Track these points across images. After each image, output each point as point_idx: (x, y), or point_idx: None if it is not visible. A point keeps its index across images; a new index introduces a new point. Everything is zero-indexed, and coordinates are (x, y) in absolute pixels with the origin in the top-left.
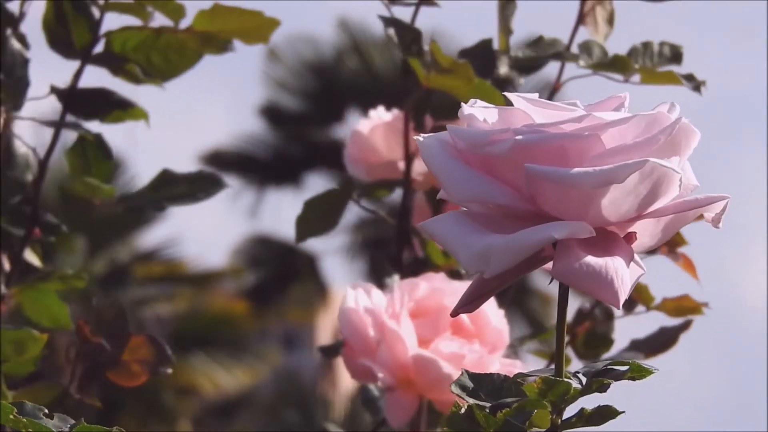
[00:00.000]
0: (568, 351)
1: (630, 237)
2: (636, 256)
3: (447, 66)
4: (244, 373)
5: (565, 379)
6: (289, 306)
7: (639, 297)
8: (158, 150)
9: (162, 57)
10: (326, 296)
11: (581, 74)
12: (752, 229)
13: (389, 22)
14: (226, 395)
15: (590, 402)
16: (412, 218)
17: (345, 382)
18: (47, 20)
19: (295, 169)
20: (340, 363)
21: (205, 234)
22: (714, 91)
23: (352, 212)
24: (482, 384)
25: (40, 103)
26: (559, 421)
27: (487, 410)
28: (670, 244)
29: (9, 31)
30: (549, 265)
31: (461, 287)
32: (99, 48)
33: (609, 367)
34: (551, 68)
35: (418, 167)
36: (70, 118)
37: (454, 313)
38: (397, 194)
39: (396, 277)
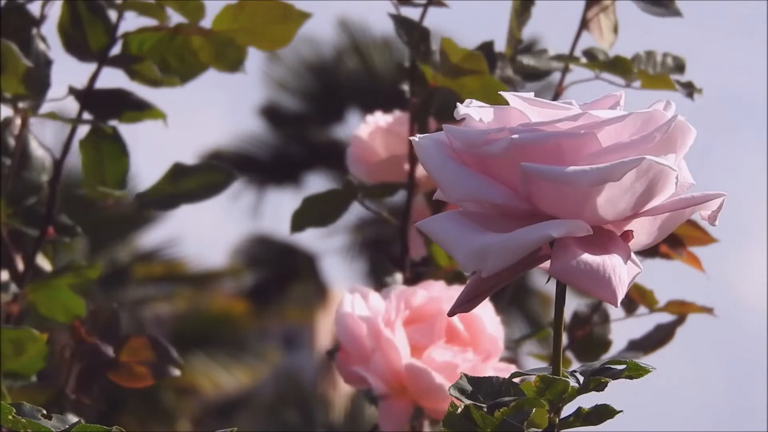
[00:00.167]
0: (569, 353)
1: (627, 235)
2: (633, 255)
3: (459, 60)
4: (244, 373)
5: (563, 378)
6: (289, 306)
7: (643, 300)
8: (158, 150)
9: (178, 58)
10: (326, 296)
11: (584, 78)
12: (752, 229)
13: (398, 20)
14: (226, 395)
15: (589, 402)
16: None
17: None
18: (62, 24)
19: (295, 169)
20: None
21: (205, 234)
22: (714, 91)
23: (352, 212)
24: (481, 387)
25: (57, 105)
26: (557, 420)
27: (485, 410)
28: (671, 241)
29: (34, 31)
30: (546, 264)
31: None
32: (116, 49)
33: (606, 365)
34: (554, 73)
35: (422, 168)
36: (87, 118)
37: (451, 313)
38: (401, 195)
39: (399, 277)
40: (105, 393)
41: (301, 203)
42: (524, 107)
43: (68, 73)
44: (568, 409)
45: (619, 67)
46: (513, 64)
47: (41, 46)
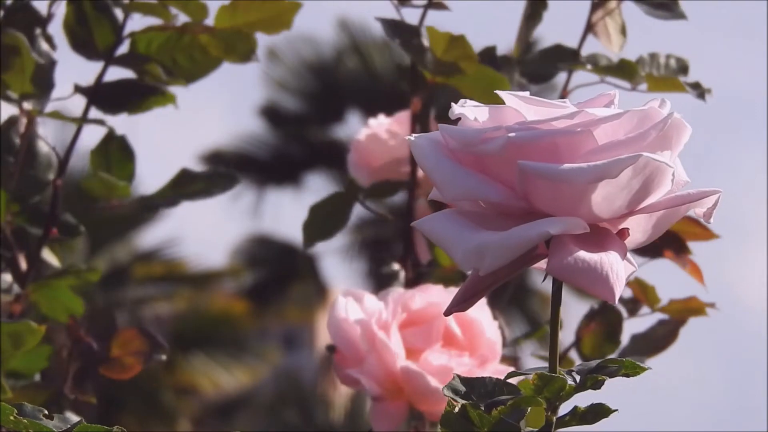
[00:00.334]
0: (573, 354)
1: (623, 233)
2: (629, 254)
3: (445, 47)
4: (244, 373)
5: (561, 375)
6: (289, 306)
7: (645, 298)
8: (158, 150)
9: (187, 57)
10: (326, 296)
11: (589, 82)
12: (752, 229)
13: (386, 23)
14: (226, 395)
15: (589, 402)
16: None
17: None
18: (68, 22)
19: (295, 169)
20: None
21: (205, 234)
22: (714, 91)
23: (353, 212)
24: (474, 388)
25: (61, 105)
26: (554, 418)
27: (482, 408)
28: (676, 249)
29: (38, 31)
30: (542, 264)
31: None
32: (123, 49)
33: (603, 364)
34: (559, 76)
35: None
36: (94, 114)
37: (448, 312)
38: (401, 195)
39: (401, 275)
40: (100, 390)
41: (308, 213)
42: (520, 106)
43: (72, 73)
44: (563, 409)
45: (625, 71)
46: (520, 67)
47: (44, 46)
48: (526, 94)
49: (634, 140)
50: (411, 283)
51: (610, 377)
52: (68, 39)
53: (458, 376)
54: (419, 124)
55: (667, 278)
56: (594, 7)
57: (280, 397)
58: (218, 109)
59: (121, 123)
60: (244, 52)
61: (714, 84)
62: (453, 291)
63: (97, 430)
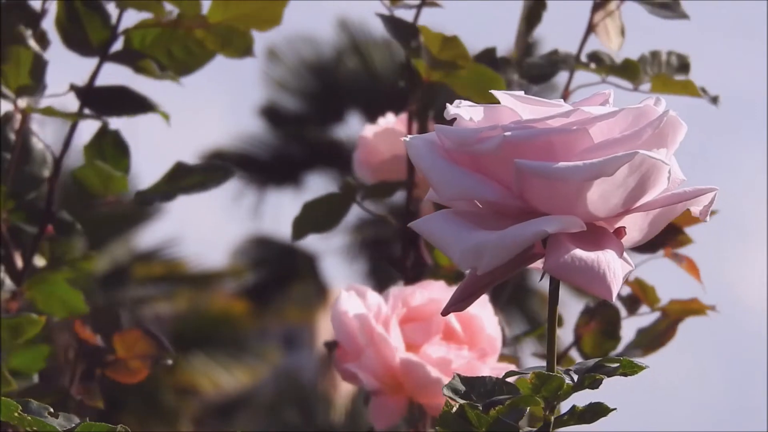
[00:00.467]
0: (573, 353)
1: (619, 232)
2: (625, 253)
3: (439, 46)
4: (244, 373)
5: (558, 374)
6: (289, 306)
7: (644, 298)
8: (158, 150)
9: (183, 49)
10: (326, 296)
11: (591, 82)
12: (752, 229)
13: (387, 20)
14: (226, 395)
15: (589, 402)
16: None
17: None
18: (59, 20)
19: (295, 169)
20: None
21: (205, 234)
22: (714, 91)
23: (353, 212)
24: (474, 387)
25: (57, 102)
26: (552, 418)
27: (480, 408)
28: (674, 243)
29: (29, 32)
30: (538, 264)
31: None
32: (118, 45)
33: (601, 363)
34: (560, 76)
35: None
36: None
37: (445, 312)
38: (401, 195)
39: (401, 274)
40: (106, 392)
41: (301, 209)
42: (515, 105)
43: (69, 70)
44: (563, 409)
45: (628, 71)
46: (520, 68)
47: (35, 46)
48: (521, 93)
49: (629, 138)
50: (411, 281)
51: (608, 376)
52: (61, 36)
53: (459, 375)
54: (417, 123)
55: (667, 278)
56: (595, 8)
57: (280, 397)
58: (218, 109)
59: (122, 123)
60: (241, 47)
61: (714, 84)
62: (454, 288)
63: (101, 429)
